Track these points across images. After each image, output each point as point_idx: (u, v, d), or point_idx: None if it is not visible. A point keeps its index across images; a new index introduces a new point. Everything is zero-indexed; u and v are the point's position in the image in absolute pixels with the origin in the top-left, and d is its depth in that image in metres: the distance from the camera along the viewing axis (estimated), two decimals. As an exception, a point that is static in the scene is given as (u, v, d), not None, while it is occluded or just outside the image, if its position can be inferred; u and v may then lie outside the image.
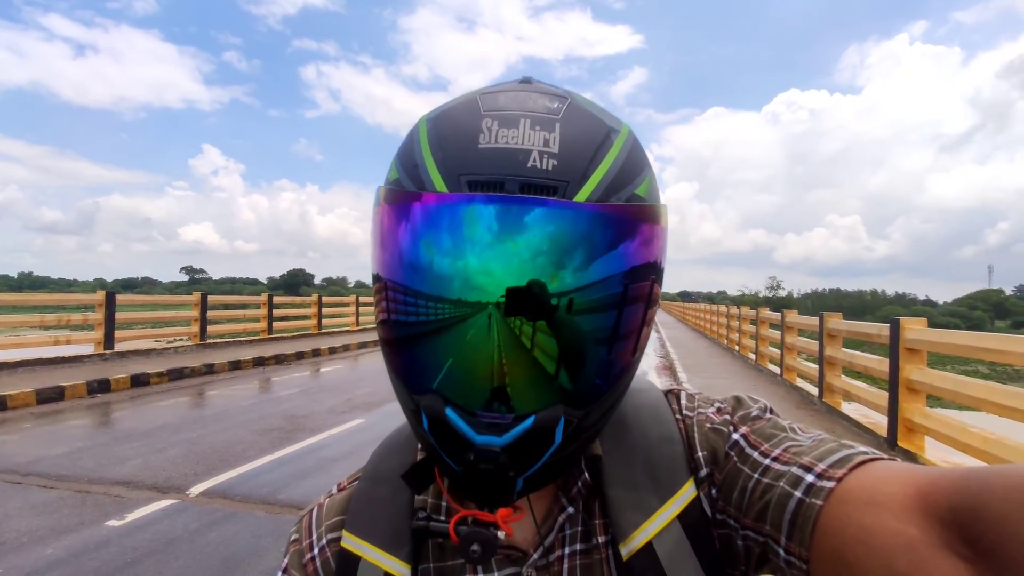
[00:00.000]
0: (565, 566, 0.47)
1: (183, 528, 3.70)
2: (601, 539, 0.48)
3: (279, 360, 12.08)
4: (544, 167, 0.39)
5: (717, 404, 0.52)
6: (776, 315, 10.38)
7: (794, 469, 0.41)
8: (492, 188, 0.39)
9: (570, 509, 0.48)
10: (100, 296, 10.64)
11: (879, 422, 5.80)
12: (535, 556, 0.48)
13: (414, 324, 0.42)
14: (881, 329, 5.72)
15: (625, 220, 0.41)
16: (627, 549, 0.46)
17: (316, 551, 0.53)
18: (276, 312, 15.64)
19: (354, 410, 7.36)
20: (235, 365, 10.89)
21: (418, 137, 0.44)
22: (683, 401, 0.53)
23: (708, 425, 0.49)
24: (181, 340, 13.06)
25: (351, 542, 0.51)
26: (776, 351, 10.16)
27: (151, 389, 8.66)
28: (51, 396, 7.49)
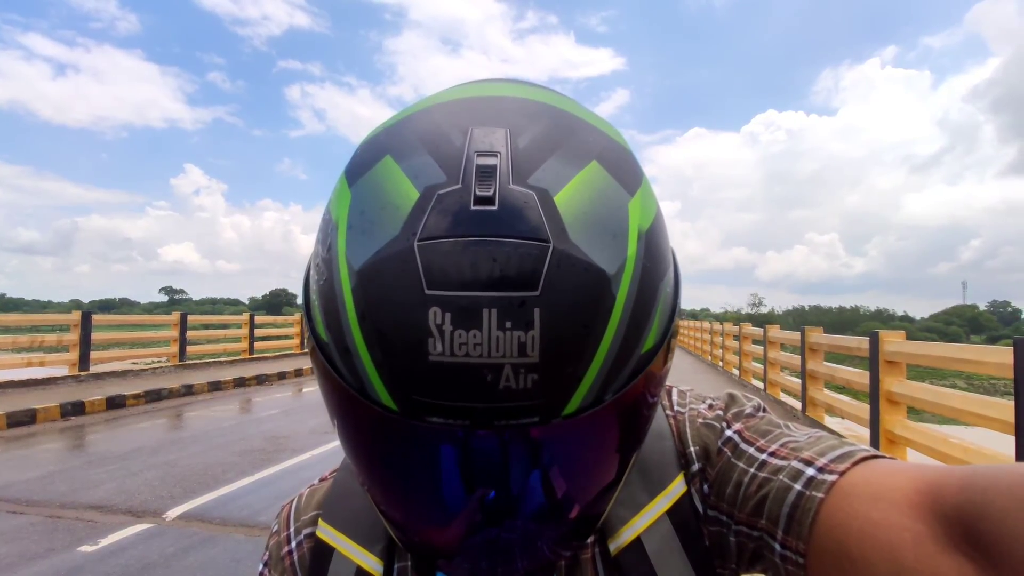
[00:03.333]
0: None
1: (159, 553, 3.58)
2: (588, 538, 0.46)
3: (260, 380, 11.86)
4: (521, 386, 0.31)
5: (709, 401, 0.51)
6: (758, 330, 10.49)
7: (794, 463, 0.40)
8: (455, 416, 0.31)
9: None
10: (76, 316, 10.38)
11: (862, 435, 5.85)
12: None
13: (398, 524, 0.42)
14: (861, 342, 5.80)
15: (632, 405, 0.36)
16: (615, 544, 0.45)
17: (293, 544, 0.52)
18: (258, 332, 15.41)
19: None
20: (215, 386, 10.67)
21: (343, 303, 0.33)
22: (674, 397, 0.52)
23: (700, 420, 0.49)
24: (160, 361, 12.79)
25: (326, 532, 0.50)
26: (759, 366, 10.25)
27: (127, 411, 8.43)
28: (22, 419, 7.26)
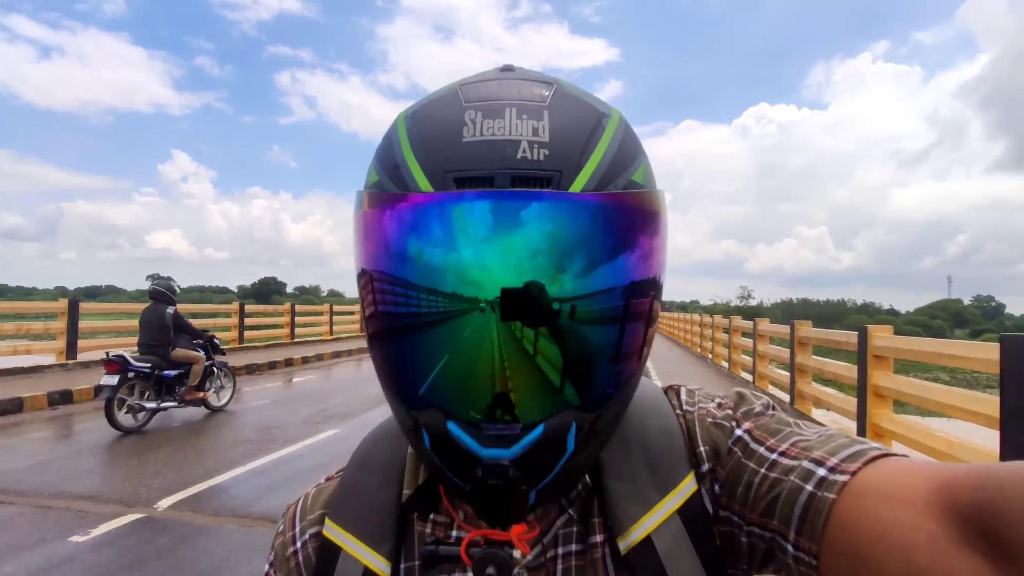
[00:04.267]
0: (559, 566, 0.46)
1: (151, 543, 3.57)
2: (598, 538, 0.47)
3: (251, 370, 11.80)
4: (535, 158, 0.37)
5: (718, 400, 0.51)
6: (748, 323, 10.58)
7: (804, 463, 0.40)
8: (481, 184, 0.37)
9: (570, 511, 0.47)
10: (63, 304, 10.26)
11: (848, 428, 5.93)
12: (528, 557, 0.46)
13: (409, 335, 0.39)
14: (850, 337, 5.87)
15: (625, 208, 0.39)
16: (625, 543, 0.45)
17: (299, 544, 0.51)
18: (248, 321, 15.31)
19: (328, 420, 7.22)
20: (205, 375, 10.59)
21: (397, 136, 0.41)
22: (683, 396, 0.52)
23: (709, 420, 0.49)
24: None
25: (333, 531, 0.49)
26: (748, 359, 10.35)
27: (116, 400, 8.36)
28: (9, 408, 7.19)
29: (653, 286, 0.41)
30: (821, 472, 0.39)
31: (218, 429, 6.60)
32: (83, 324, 10.60)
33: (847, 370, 5.98)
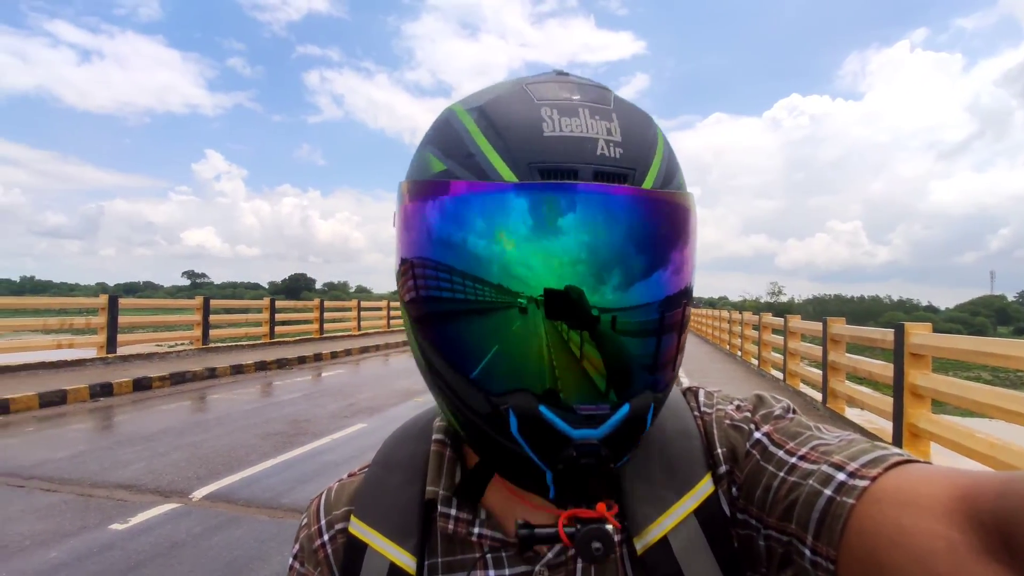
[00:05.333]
0: (579, 564, 0.46)
1: (186, 532, 3.68)
2: (618, 537, 0.46)
3: (281, 364, 12.07)
4: (612, 155, 0.39)
5: (737, 402, 0.51)
6: (779, 320, 10.37)
7: (824, 467, 0.40)
8: (564, 176, 0.38)
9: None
10: (103, 300, 10.64)
11: (883, 427, 5.78)
12: (550, 555, 0.46)
13: (503, 321, 0.39)
14: (885, 334, 5.71)
15: (685, 204, 0.43)
16: (642, 543, 0.45)
17: (327, 537, 0.52)
18: (278, 316, 15.63)
19: (357, 414, 7.34)
20: (237, 369, 10.88)
21: (464, 127, 0.42)
22: (701, 398, 0.52)
23: (727, 422, 0.49)
24: (183, 344, 13.07)
25: (358, 528, 0.50)
26: (779, 356, 10.15)
27: (153, 393, 8.65)
28: (53, 400, 7.49)
29: (693, 277, 0.45)
30: (840, 477, 0.38)
31: (250, 422, 6.76)
32: (122, 319, 10.98)
33: (883, 368, 5.81)
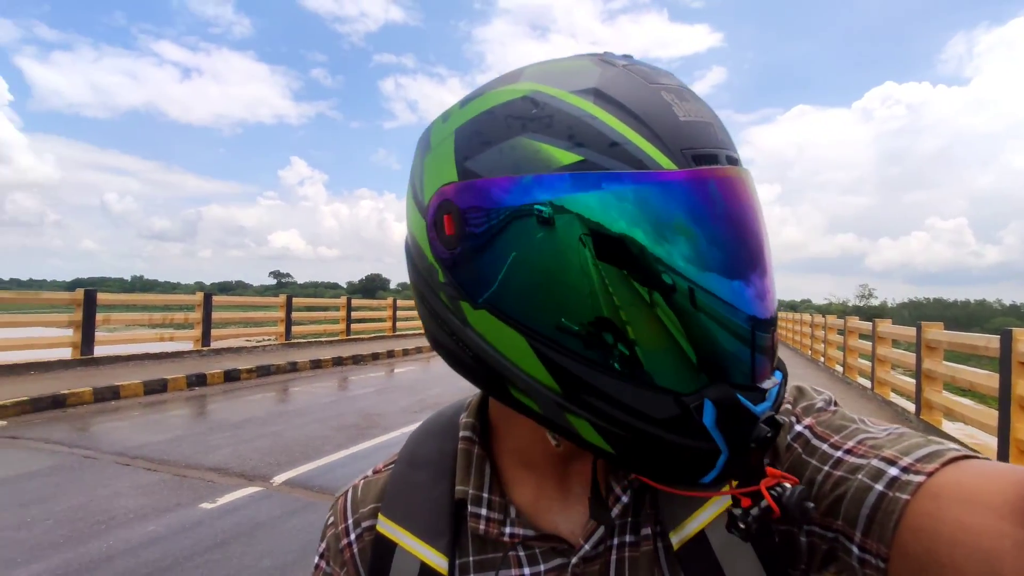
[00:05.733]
0: (613, 557, 0.45)
1: (267, 514, 3.93)
2: (650, 530, 0.45)
3: (356, 360, 12.60)
4: (724, 139, 0.39)
5: None
6: (866, 324, 9.68)
7: (874, 462, 0.38)
8: (710, 162, 0.37)
9: (624, 498, 0.46)
10: (199, 298, 11.57)
11: (987, 443, 5.26)
12: (586, 547, 0.45)
13: (697, 315, 0.36)
14: (990, 340, 5.19)
15: None
16: (678, 537, 0.44)
17: (353, 536, 0.51)
18: (354, 315, 16.35)
19: (426, 410, 7.53)
20: (316, 364, 11.46)
21: (586, 113, 0.37)
22: None
23: None
24: (269, 339, 13.93)
25: (387, 527, 0.49)
26: (866, 363, 9.47)
27: (241, 384, 9.28)
28: (156, 388, 8.20)
29: None
30: (893, 471, 0.36)
31: (326, 414, 7.11)
32: (216, 315, 11.86)
33: (987, 379, 5.29)
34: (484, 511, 0.47)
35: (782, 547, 0.43)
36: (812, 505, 0.36)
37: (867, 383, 9.25)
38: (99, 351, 9.61)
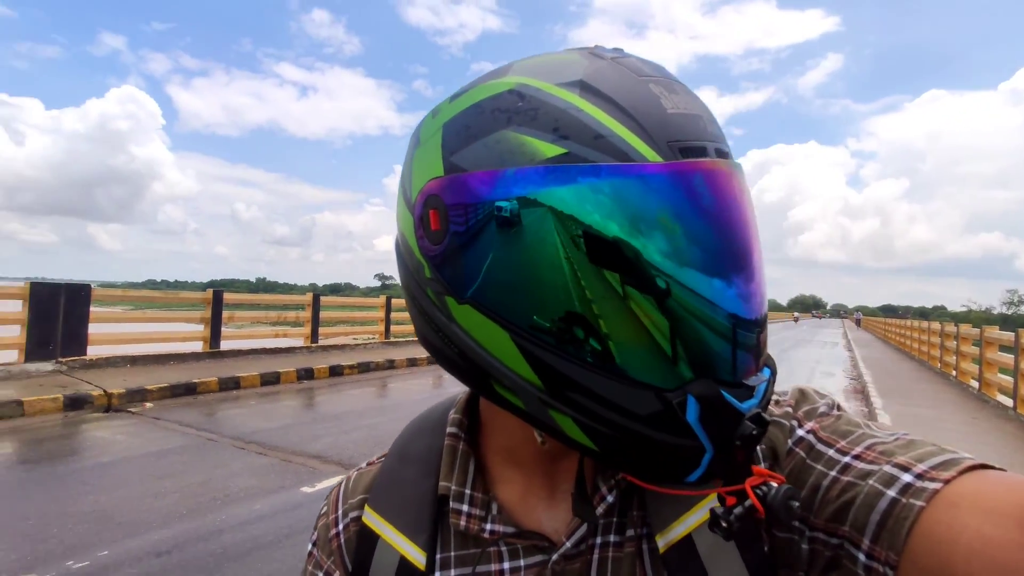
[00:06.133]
0: (596, 556, 0.44)
1: (358, 501, 4.18)
2: (636, 531, 0.45)
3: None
4: (714, 132, 0.39)
5: (777, 397, 0.47)
6: (1008, 335, 8.52)
7: (886, 468, 0.37)
8: (697, 154, 0.36)
9: (609, 498, 0.45)
10: (308, 298, 12.55)
11: None
12: (568, 545, 0.45)
13: (681, 309, 0.35)
14: None
15: None
16: (664, 540, 0.43)
17: (341, 527, 0.52)
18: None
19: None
20: (412, 362, 11.98)
21: (572, 105, 0.37)
22: None
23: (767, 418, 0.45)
24: (370, 338, 14.77)
25: (372, 519, 0.50)
26: (1008, 379, 8.34)
27: (344, 379, 9.92)
28: (271, 379, 8.99)
29: None
30: (907, 478, 0.35)
31: (419, 409, 7.27)
32: (323, 314, 12.79)
33: None
34: (465, 507, 0.47)
35: (769, 555, 0.42)
36: (797, 504, 0.36)
37: (1008, 401, 8.14)
38: (224, 345, 10.70)
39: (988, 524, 0.31)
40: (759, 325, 0.38)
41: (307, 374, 9.62)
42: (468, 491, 0.48)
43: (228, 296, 10.86)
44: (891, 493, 0.35)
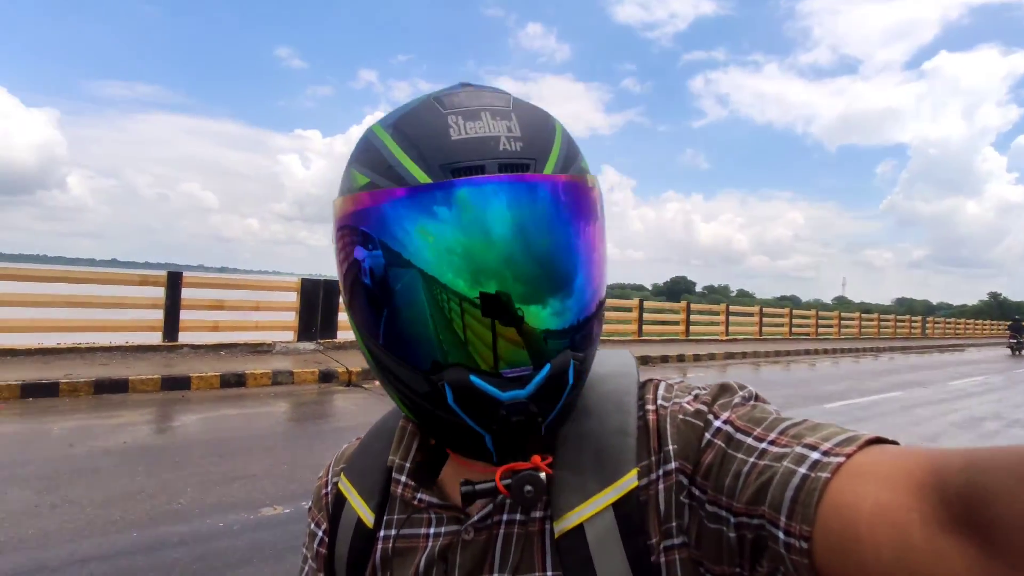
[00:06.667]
0: (502, 531, 0.49)
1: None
2: (542, 514, 0.49)
3: (644, 361, 12.72)
4: (513, 149, 0.44)
5: (696, 391, 0.50)
6: None
7: (797, 449, 0.40)
8: (472, 172, 0.42)
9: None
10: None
11: None
12: (476, 518, 0.50)
13: (434, 306, 0.43)
14: None
15: (585, 185, 0.47)
16: (559, 527, 0.47)
17: (328, 488, 0.61)
18: (647, 316, 16.59)
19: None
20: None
21: (381, 142, 0.46)
22: (661, 391, 0.52)
23: (680, 416, 0.48)
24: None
25: (344, 485, 0.58)
26: None
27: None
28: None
29: (604, 247, 0.50)
30: (815, 456, 0.39)
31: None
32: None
33: None
34: (403, 478, 0.53)
35: (710, 552, 0.44)
36: (531, 489, 0.45)
37: None
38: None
39: (884, 491, 0.34)
40: (518, 320, 0.43)
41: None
42: (408, 464, 0.54)
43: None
44: (802, 470, 0.38)
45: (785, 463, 0.39)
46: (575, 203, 0.46)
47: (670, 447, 0.47)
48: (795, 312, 22.56)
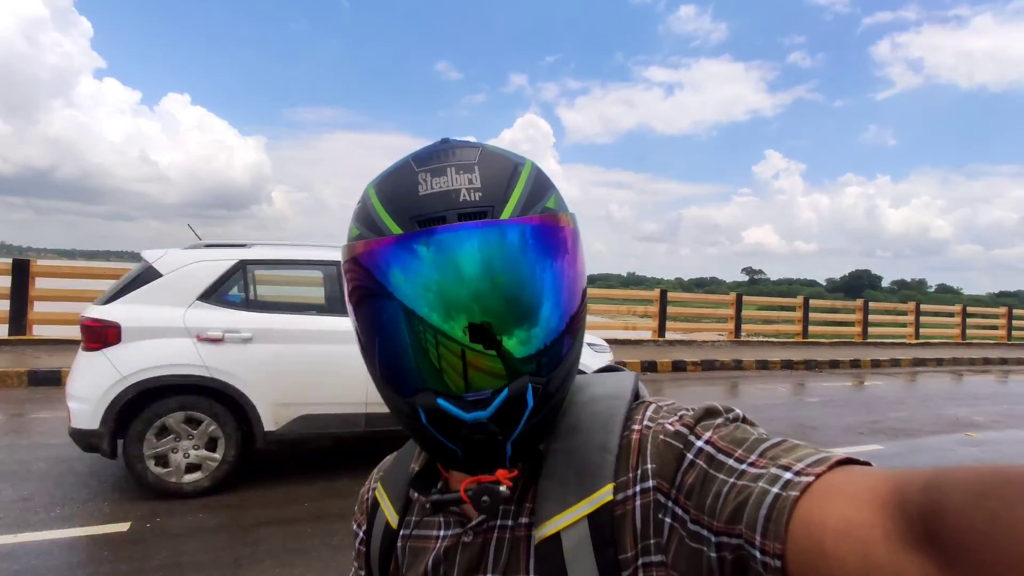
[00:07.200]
0: (495, 535, 0.55)
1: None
2: (527, 521, 0.53)
3: (809, 366, 11.60)
4: (472, 199, 0.50)
5: (682, 412, 0.52)
6: None
7: (773, 470, 0.41)
8: (434, 222, 0.49)
9: (502, 488, 0.54)
10: (656, 293, 13.05)
11: None
12: (474, 522, 0.54)
13: (408, 338, 0.50)
14: None
15: (543, 224, 0.51)
16: (539, 534, 0.51)
17: (369, 495, 0.69)
18: (815, 316, 14.96)
19: (876, 433, 6.41)
20: (762, 364, 11.19)
21: (370, 200, 0.54)
22: (649, 412, 0.54)
23: (661, 437, 0.50)
24: (720, 336, 14.38)
25: (379, 491, 0.66)
26: None
27: (687, 375, 10.03)
28: (615, 368, 9.73)
29: (577, 281, 0.54)
30: (787, 475, 0.40)
31: (756, 416, 6.91)
32: (671, 310, 13.11)
33: None
34: (454, 491, 0.57)
35: (617, 564, 0.48)
36: (487, 499, 0.51)
37: None
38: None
39: (850, 508, 0.35)
40: (484, 351, 0.49)
41: (651, 367, 10.09)
42: (424, 472, 0.62)
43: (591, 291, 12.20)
44: (774, 490, 0.40)
45: (760, 483, 0.41)
46: (533, 241, 0.50)
47: (649, 466, 0.49)
48: (1016, 312, 18.33)
